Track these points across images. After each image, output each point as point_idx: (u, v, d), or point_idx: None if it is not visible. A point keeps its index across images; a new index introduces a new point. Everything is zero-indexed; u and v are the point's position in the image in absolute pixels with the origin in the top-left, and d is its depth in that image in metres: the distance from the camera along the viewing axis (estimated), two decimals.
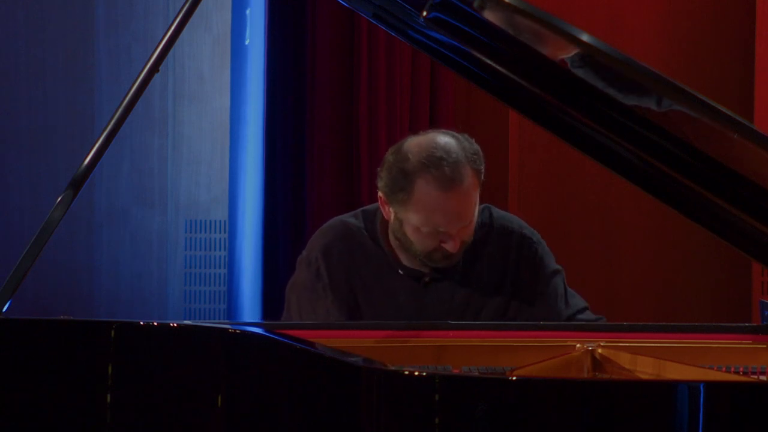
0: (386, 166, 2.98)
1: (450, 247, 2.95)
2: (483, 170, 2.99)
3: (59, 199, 2.49)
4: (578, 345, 2.62)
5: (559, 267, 3.13)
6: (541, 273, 3.09)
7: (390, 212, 3.00)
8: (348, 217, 3.13)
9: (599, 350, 2.61)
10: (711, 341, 2.72)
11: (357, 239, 3.07)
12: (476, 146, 3.00)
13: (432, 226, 2.93)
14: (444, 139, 2.97)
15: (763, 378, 2.61)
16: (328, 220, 3.19)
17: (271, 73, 5.05)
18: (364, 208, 3.14)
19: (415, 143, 2.98)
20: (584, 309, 3.13)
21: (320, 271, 3.04)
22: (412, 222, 2.95)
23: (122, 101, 2.58)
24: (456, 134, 3.00)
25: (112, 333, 2.34)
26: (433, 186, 2.91)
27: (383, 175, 2.98)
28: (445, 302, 3.02)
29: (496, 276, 3.06)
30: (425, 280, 3.04)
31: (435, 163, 2.91)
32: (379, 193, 3.02)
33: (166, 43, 2.61)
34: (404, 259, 3.03)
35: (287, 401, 2.26)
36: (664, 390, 2.11)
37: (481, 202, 3.07)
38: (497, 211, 3.15)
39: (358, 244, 3.07)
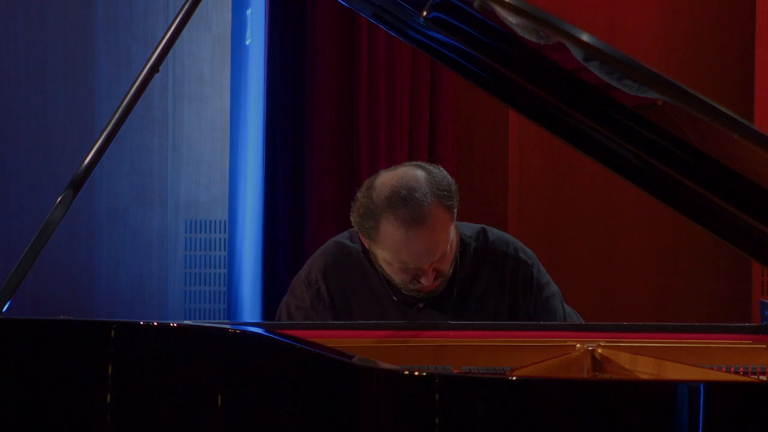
0: (356, 203, 2.99)
1: (424, 281, 2.96)
2: (455, 204, 2.97)
3: (59, 199, 2.49)
4: (578, 345, 2.62)
5: (555, 289, 3.13)
6: (539, 297, 3.08)
7: (367, 243, 3.01)
8: (344, 239, 3.12)
9: (599, 350, 2.61)
10: (711, 341, 2.72)
11: (355, 262, 3.08)
12: (448, 180, 2.98)
13: (400, 263, 2.94)
14: (412, 175, 2.96)
15: (763, 378, 2.61)
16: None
17: (271, 73, 5.05)
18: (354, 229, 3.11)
19: (383, 181, 2.97)
20: None
21: (321, 291, 3.06)
22: (382, 257, 2.97)
23: (122, 101, 2.58)
24: (429, 167, 2.99)
25: (112, 333, 2.34)
26: (396, 226, 2.90)
27: (354, 210, 2.99)
28: None
29: (492, 302, 3.06)
30: (419, 306, 3.04)
31: (398, 203, 2.90)
32: None
33: (166, 43, 2.60)
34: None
35: (287, 401, 2.26)
36: (664, 390, 2.11)
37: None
38: (493, 233, 3.13)
39: (356, 267, 3.07)
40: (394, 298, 3.03)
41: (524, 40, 2.37)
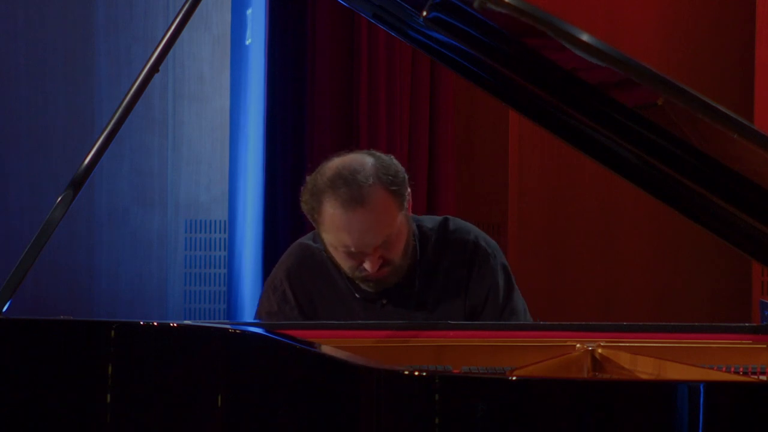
0: (305, 186, 3.00)
1: (367, 266, 2.94)
2: (403, 191, 2.96)
3: (59, 199, 2.49)
4: (578, 345, 2.62)
5: (514, 287, 3.10)
6: (494, 286, 3.06)
7: (316, 228, 3.02)
8: (307, 240, 3.13)
9: (599, 350, 2.61)
10: (711, 341, 2.72)
11: (318, 262, 3.07)
12: (397, 167, 2.98)
13: (342, 245, 2.94)
14: (360, 159, 2.96)
15: (763, 378, 2.61)
16: None
17: (271, 73, 5.05)
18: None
19: (329, 164, 2.98)
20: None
21: (286, 294, 3.06)
22: (328, 241, 2.97)
23: (122, 101, 2.58)
24: (380, 155, 2.99)
25: (112, 333, 2.34)
26: (336, 205, 2.90)
27: (302, 193, 3.00)
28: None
29: (453, 292, 3.05)
30: (382, 302, 3.04)
31: (340, 183, 2.91)
32: None
33: (166, 43, 2.60)
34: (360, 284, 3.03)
35: (287, 401, 2.26)
36: (664, 390, 2.11)
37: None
38: (455, 223, 3.12)
39: (319, 267, 3.07)
40: (357, 295, 3.03)
41: (524, 39, 2.37)
